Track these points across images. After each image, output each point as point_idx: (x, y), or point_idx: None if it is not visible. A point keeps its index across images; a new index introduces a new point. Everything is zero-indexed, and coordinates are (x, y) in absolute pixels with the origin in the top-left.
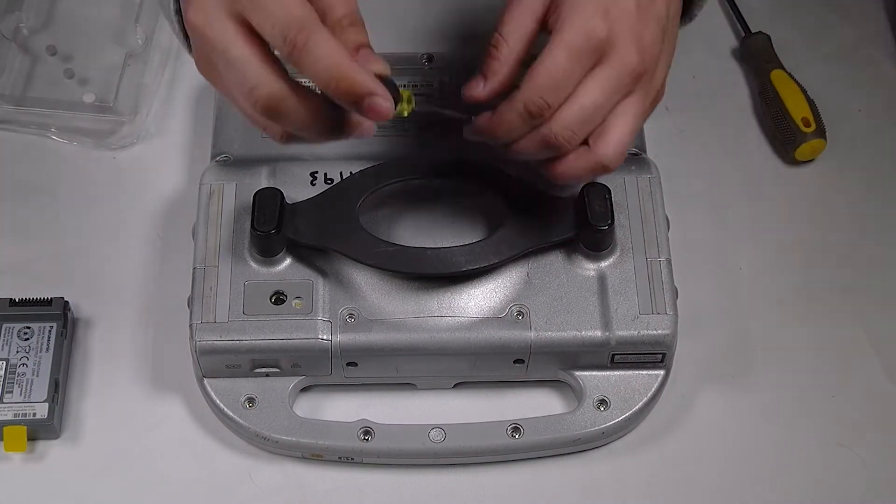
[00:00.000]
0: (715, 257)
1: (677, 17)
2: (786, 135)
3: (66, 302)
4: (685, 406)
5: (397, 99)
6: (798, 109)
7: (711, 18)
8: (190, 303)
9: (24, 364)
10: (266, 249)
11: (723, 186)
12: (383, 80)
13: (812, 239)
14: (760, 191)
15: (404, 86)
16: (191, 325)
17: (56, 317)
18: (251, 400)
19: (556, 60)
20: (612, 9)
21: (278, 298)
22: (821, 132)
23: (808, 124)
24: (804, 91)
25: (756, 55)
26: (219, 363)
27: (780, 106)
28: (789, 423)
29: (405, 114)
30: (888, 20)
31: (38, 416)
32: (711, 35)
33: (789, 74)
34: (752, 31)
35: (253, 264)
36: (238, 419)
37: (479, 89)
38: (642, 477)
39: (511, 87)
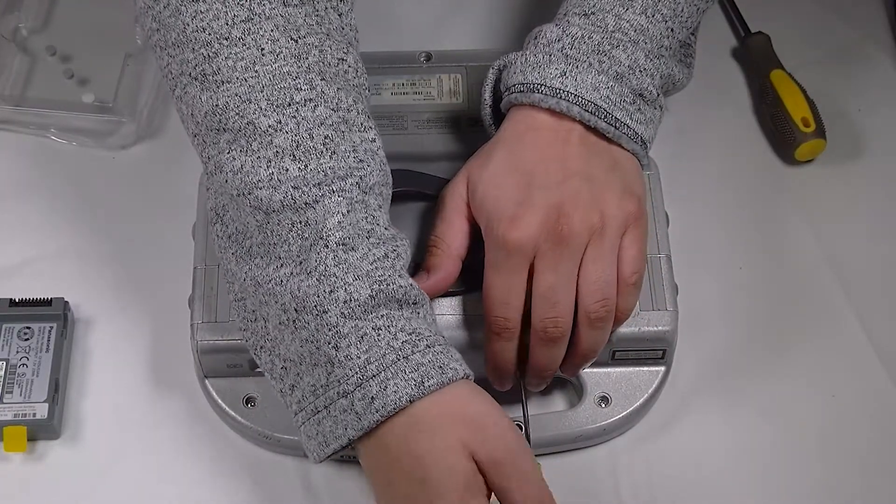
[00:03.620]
0: (715, 257)
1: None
2: (786, 135)
3: (66, 302)
4: (685, 404)
5: None
6: (798, 109)
7: (711, 18)
8: (191, 302)
9: (24, 364)
10: None
11: (723, 186)
12: None
13: (811, 239)
14: (760, 191)
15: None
16: (192, 325)
17: (56, 317)
18: (252, 399)
19: (489, 280)
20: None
21: None
22: (821, 132)
23: (807, 124)
24: (804, 91)
25: (756, 55)
26: (220, 362)
27: (780, 106)
28: (789, 423)
29: None
30: (888, 20)
31: (38, 417)
32: (711, 35)
33: (789, 74)
34: (752, 31)
35: None
36: (239, 418)
37: (424, 283)
38: (642, 474)
39: (452, 280)
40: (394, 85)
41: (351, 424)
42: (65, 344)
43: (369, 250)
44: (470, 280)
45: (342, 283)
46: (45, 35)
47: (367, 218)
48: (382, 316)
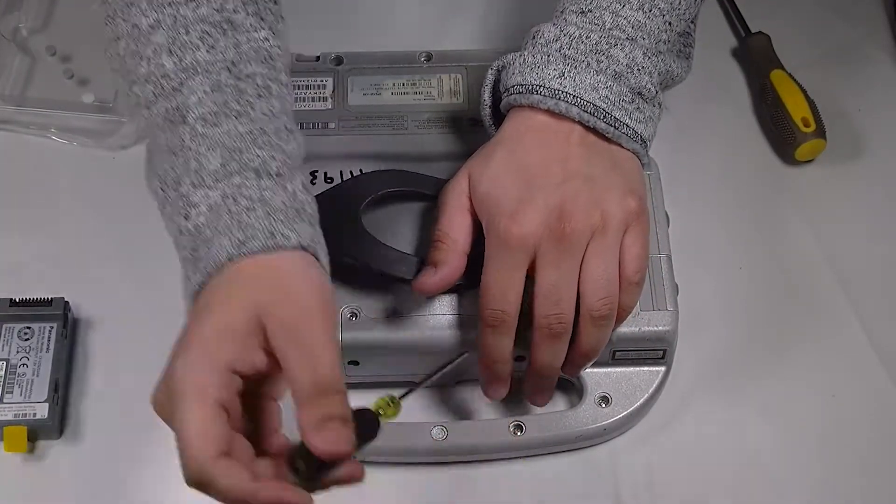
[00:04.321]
0: (715, 257)
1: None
2: (786, 135)
3: (67, 302)
4: (685, 404)
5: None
6: (798, 109)
7: (711, 18)
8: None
9: (24, 364)
10: None
11: (723, 186)
12: (355, 411)
13: (812, 239)
14: (760, 191)
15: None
16: None
17: (56, 317)
18: None
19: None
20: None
21: None
22: (821, 132)
23: (807, 124)
24: (804, 91)
25: (756, 55)
26: None
27: (780, 106)
28: (789, 423)
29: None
30: (888, 20)
31: (38, 417)
32: (711, 35)
33: (789, 74)
34: (752, 31)
35: None
36: None
37: (431, 277)
38: (643, 474)
39: (459, 274)
40: (394, 85)
41: (189, 287)
42: (65, 344)
43: (234, 128)
44: (470, 277)
45: (194, 154)
46: (45, 35)
47: (238, 101)
48: (234, 184)
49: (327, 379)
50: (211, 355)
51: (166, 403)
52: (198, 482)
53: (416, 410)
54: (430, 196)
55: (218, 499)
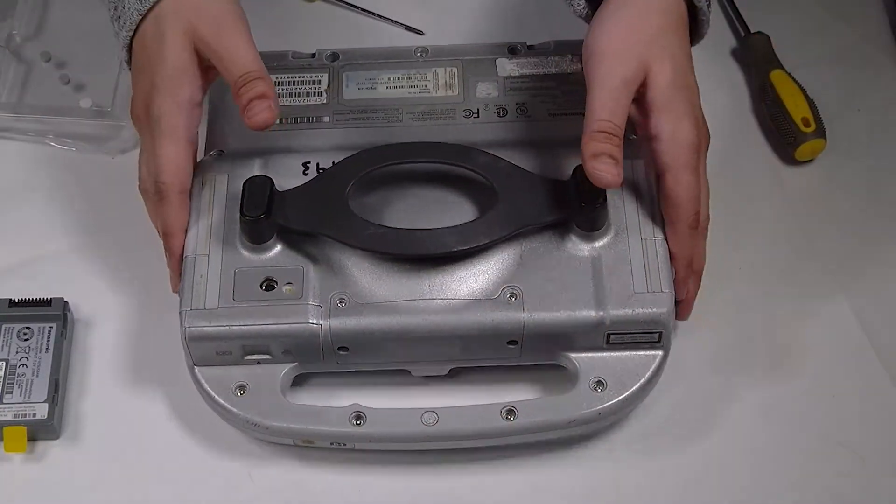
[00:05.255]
0: (714, 257)
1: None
2: (786, 135)
3: (66, 302)
4: (685, 404)
5: None
6: (798, 109)
7: (711, 18)
8: (180, 291)
9: (23, 364)
10: (256, 236)
11: (723, 186)
12: None
13: (812, 239)
14: (760, 191)
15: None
16: (180, 313)
17: (56, 317)
18: (242, 387)
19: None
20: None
21: (269, 285)
22: (821, 132)
23: (807, 124)
24: (804, 91)
25: (756, 55)
26: (209, 350)
27: (780, 106)
28: (789, 423)
29: None
30: (888, 20)
31: (38, 417)
32: (711, 35)
33: (789, 74)
34: (752, 31)
35: (244, 252)
36: (229, 406)
37: (616, 177)
38: (641, 475)
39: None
40: (389, 79)
41: (122, 34)
42: (64, 344)
43: None
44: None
45: None
46: (39, 41)
47: None
48: None
49: (250, 67)
50: (175, 97)
51: (145, 124)
52: (152, 195)
53: (406, 397)
54: (414, 159)
55: (154, 219)
